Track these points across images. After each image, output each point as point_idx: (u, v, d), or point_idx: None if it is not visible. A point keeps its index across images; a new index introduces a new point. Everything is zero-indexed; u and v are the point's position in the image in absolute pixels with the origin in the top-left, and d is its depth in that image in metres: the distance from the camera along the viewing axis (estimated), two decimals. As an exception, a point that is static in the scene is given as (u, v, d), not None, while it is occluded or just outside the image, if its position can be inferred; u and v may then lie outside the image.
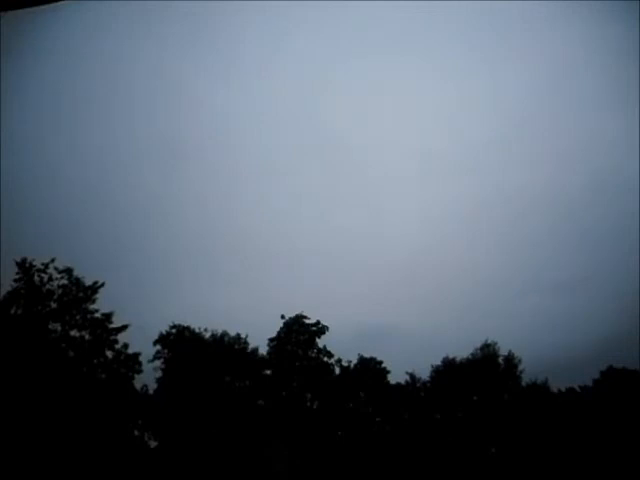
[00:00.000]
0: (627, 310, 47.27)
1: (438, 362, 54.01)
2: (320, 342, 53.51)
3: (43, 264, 48.96)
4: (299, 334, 53.43)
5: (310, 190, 63.65)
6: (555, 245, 57.73)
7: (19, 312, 48.09)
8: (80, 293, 49.13)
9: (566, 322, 51.89)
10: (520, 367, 53.66)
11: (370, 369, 53.67)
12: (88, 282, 49.22)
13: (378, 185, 63.09)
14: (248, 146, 64.19)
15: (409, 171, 64.33)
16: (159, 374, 51.87)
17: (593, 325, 50.01)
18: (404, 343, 52.88)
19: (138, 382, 50.09)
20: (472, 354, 53.98)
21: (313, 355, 53.66)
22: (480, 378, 52.39)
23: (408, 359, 51.13)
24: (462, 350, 53.45)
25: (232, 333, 53.47)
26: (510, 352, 53.82)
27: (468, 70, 66.02)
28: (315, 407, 53.10)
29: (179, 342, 52.65)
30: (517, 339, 51.76)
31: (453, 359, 53.98)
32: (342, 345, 52.69)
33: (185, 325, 53.03)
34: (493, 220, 59.78)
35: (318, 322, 53.36)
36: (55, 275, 49.26)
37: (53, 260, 49.01)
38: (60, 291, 49.09)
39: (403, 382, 53.85)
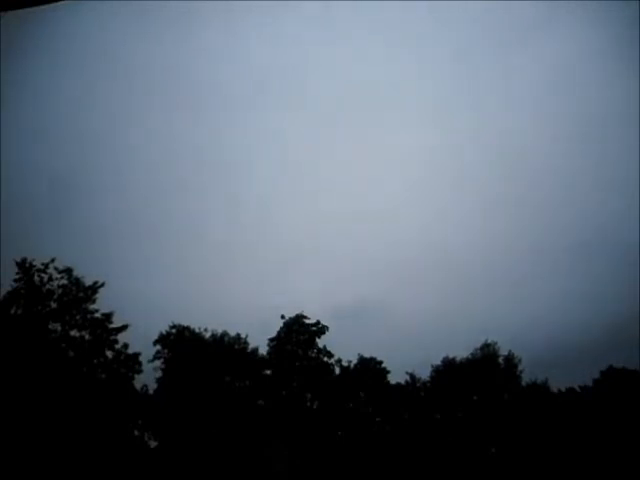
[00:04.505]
0: (627, 310, 47.31)
1: (438, 361, 54.17)
2: (320, 342, 53.61)
3: (43, 264, 48.94)
4: (299, 334, 53.39)
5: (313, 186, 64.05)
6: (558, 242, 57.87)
7: (19, 312, 48.06)
8: (80, 293, 49.11)
9: (566, 321, 51.88)
10: (520, 367, 53.73)
11: (370, 369, 53.63)
12: (88, 282, 49.32)
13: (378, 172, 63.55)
14: (248, 146, 64.31)
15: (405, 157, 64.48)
16: (159, 374, 51.95)
17: (593, 324, 49.97)
18: (404, 342, 52.88)
19: (138, 382, 50.20)
20: (472, 354, 53.99)
21: (313, 355, 53.61)
22: (480, 378, 52.33)
23: (408, 358, 51.16)
24: (462, 349, 53.59)
25: (232, 333, 53.62)
26: (510, 352, 53.83)
27: (468, 69, 66.30)
28: (315, 407, 53.05)
29: (179, 342, 52.64)
30: (517, 338, 51.87)
31: (453, 359, 53.92)
32: (340, 341, 52.89)
33: (185, 325, 53.09)
34: (497, 220, 60.05)
35: (318, 322, 53.36)
36: (55, 275, 49.28)
37: (53, 260, 49.04)
38: (60, 291, 49.07)
39: (403, 382, 53.87)
